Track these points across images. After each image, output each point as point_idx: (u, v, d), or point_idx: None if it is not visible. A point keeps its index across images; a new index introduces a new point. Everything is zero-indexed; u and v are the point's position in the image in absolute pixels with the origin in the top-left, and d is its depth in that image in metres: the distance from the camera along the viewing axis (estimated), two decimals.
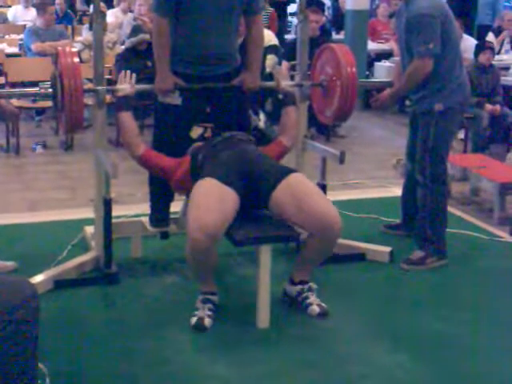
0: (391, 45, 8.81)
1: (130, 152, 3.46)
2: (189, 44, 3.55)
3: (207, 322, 3.17)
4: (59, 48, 3.50)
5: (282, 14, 8.90)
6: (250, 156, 3.33)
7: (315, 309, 3.29)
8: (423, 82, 3.78)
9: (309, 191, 3.21)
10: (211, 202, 3.05)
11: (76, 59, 3.38)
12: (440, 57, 3.73)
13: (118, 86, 3.51)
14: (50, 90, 3.49)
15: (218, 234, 3.02)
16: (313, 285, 3.36)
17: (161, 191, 3.79)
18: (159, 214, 3.86)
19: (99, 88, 3.54)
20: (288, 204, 3.16)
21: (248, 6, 3.60)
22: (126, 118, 3.46)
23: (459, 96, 3.88)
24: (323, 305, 3.31)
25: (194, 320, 3.18)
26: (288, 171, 3.29)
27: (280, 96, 3.72)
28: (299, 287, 3.34)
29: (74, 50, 3.57)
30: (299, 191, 3.18)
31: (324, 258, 3.34)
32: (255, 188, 3.21)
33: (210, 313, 3.20)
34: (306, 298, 3.32)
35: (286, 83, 3.77)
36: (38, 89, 3.57)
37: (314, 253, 3.27)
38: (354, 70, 3.69)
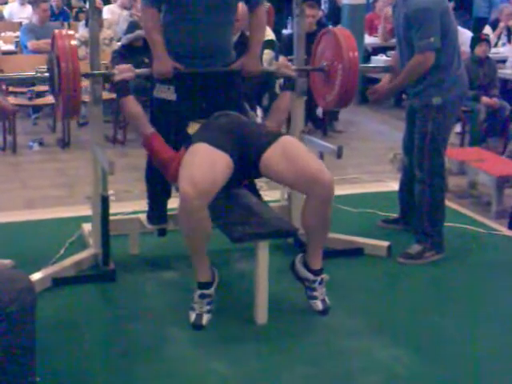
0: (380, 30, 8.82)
1: (140, 133, 3.45)
2: (182, 38, 3.51)
3: (205, 318, 3.16)
4: (56, 31, 3.46)
5: (278, 8, 8.90)
6: (240, 121, 3.39)
7: (318, 305, 3.28)
8: (422, 75, 3.77)
9: (300, 152, 3.21)
10: (202, 162, 3.07)
11: (73, 41, 3.33)
12: (439, 50, 3.72)
13: (116, 70, 3.46)
14: (47, 74, 3.44)
15: (208, 191, 3.00)
16: (325, 277, 3.31)
17: (158, 189, 3.78)
18: (157, 211, 3.85)
19: (96, 72, 3.51)
20: (280, 164, 3.16)
21: None
22: (129, 102, 3.42)
23: (458, 89, 3.87)
24: (327, 301, 3.30)
25: (192, 317, 3.17)
26: (278, 134, 3.32)
27: (278, 87, 3.71)
28: (312, 277, 3.29)
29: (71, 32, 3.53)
30: (290, 152, 3.18)
31: (325, 223, 3.21)
32: (246, 151, 3.21)
33: (208, 307, 3.18)
34: (314, 289, 3.29)
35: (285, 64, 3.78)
36: (34, 73, 3.52)
37: (314, 218, 3.18)
38: (355, 54, 3.65)
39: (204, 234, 3.09)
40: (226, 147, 3.16)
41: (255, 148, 3.22)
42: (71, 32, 3.52)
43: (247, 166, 3.24)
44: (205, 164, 3.06)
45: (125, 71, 3.43)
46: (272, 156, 3.19)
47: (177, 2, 3.45)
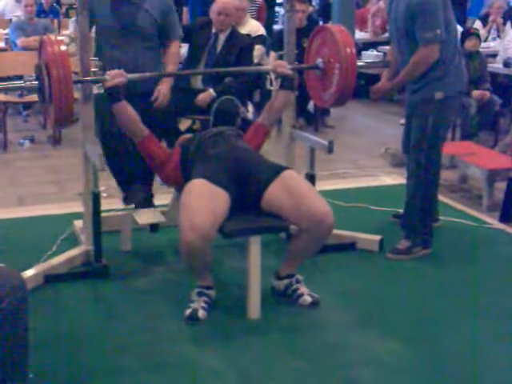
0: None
1: (136, 137, 3.45)
2: (105, 60, 3.69)
3: (201, 313, 3.16)
4: (44, 37, 3.43)
5: (269, 4, 8.88)
6: (241, 154, 3.33)
7: (307, 299, 3.29)
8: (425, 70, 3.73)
9: (303, 189, 3.22)
10: (202, 202, 3.06)
11: (63, 47, 3.29)
12: (442, 43, 3.66)
13: (107, 75, 3.45)
14: (36, 82, 3.42)
15: (210, 234, 3.03)
16: (299, 276, 3.36)
17: (122, 166, 3.84)
18: (131, 191, 3.89)
19: (87, 79, 3.49)
20: (283, 202, 3.16)
21: (164, 32, 3.88)
22: (122, 108, 3.40)
23: (458, 84, 3.82)
24: (314, 294, 3.31)
25: (188, 311, 3.17)
26: (280, 169, 3.30)
27: (269, 82, 3.70)
28: (286, 281, 3.34)
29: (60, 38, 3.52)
30: (294, 190, 3.18)
31: (313, 252, 3.34)
32: (247, 186, 3.21)
33: (204, 305, 3.20)
34: (296, 289, 3.32)
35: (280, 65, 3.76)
36: (22, 82, 3.49)
37: (305, 248, 3.27)
38: (353, 50, 3.63)
39: (206, 264, 3.18)
40: (224, 183, 3.15)
41: (256, 185, 3.21)
42: (60, 38, 3.54)
43: (246, 201, 3.24)
44: (204, 205, 3.05)
45: (116, 76, 3.39)
46: (274, 193, 3.19)
47: (99, 28, 3.76)
